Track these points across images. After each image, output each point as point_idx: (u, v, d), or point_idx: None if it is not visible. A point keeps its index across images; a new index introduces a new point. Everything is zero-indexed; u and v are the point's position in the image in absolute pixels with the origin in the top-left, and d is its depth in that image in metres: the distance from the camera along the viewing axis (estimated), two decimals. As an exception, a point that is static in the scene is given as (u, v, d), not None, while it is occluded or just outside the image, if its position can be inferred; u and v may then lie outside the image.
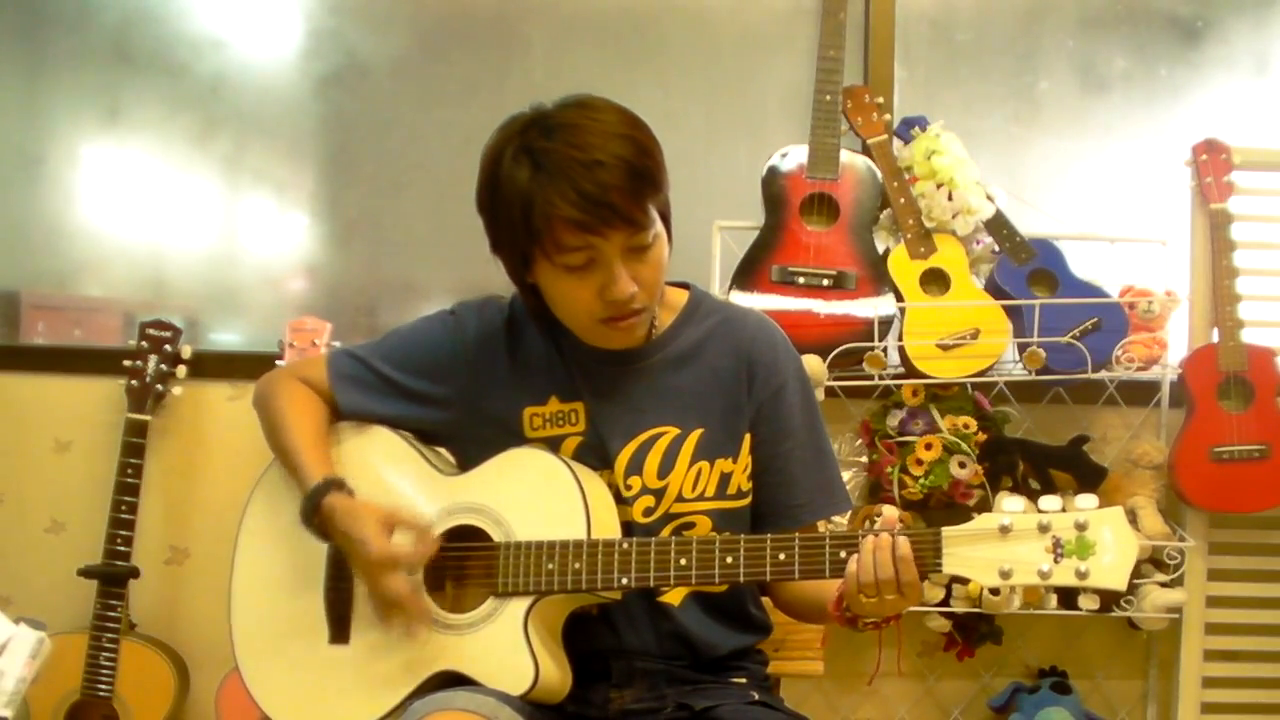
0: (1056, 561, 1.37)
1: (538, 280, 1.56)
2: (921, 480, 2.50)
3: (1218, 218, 2.63)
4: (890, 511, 2.43)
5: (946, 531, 1.42)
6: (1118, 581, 1.36)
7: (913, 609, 1.61)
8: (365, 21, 2.94)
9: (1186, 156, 2.67)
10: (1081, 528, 1.37)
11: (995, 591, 2.43)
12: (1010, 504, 1.41)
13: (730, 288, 2.54)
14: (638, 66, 2.95)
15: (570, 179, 1.43)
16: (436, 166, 2.89)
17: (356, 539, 1.53)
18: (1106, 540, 1.36)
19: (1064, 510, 1.39)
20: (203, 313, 2.93)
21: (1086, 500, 1.40)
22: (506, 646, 1.51)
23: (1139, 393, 2.73)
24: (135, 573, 2.57)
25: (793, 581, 1.63)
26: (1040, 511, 1.39)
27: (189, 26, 2.91)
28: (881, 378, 2.55)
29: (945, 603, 2.54)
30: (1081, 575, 1.36)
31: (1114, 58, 2.97)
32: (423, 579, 1.57)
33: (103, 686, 2.49)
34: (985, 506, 2.50)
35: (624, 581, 1.51)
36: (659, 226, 1.53)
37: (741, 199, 2.70)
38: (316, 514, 1.57)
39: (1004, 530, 1.39)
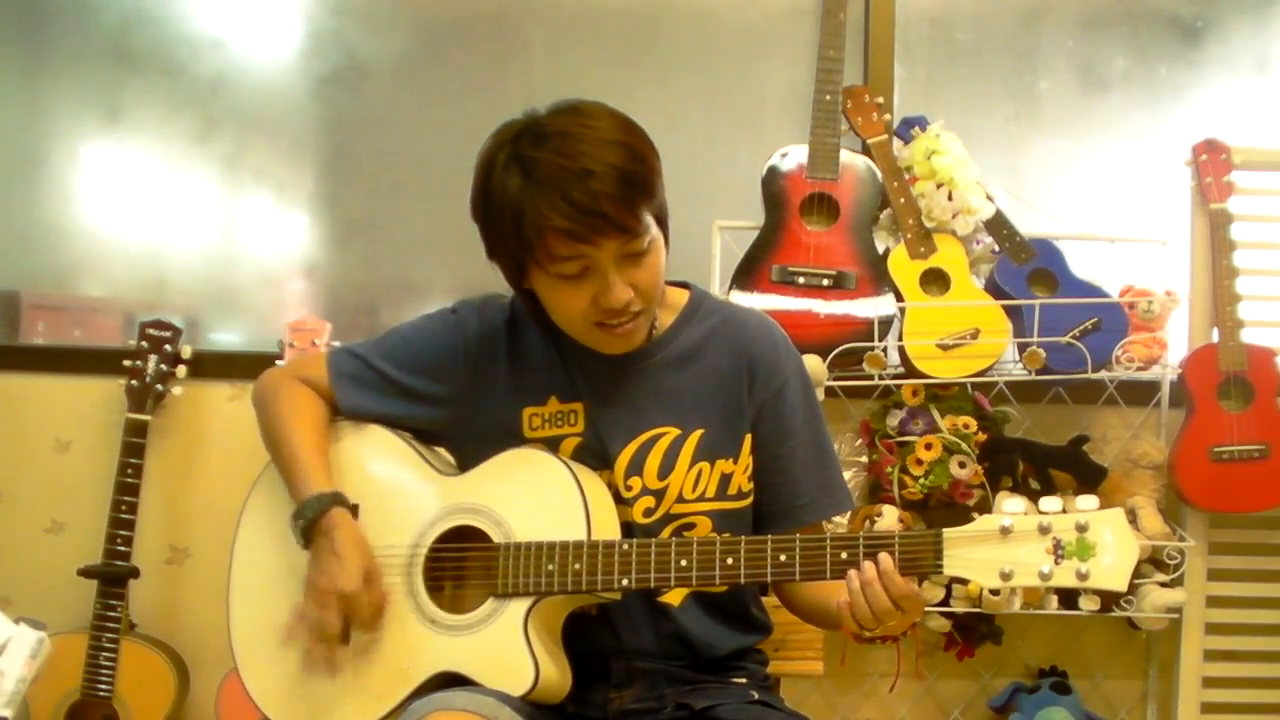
0: (1057, 563, 1.37)
1: (533, 287, 1.56)
2: (921, 480, 2.50)
3: (1218, 218, 2.63)
4: (890, 514, 2.44)
5: (947, 533, 1.42)
6: (1118, 583, 1.36)
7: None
8: (365, 21, 2.94)
9: (1186, 156, 2.67)
10: (1082, 529, 1.37)
11: (995, 591, 2.43)
12: (1011, 505, 1.41)
13: (730, 288, 2.54)
14: (638, 66, 2.95)
15: (560, 188, 1.43)
16: (436, 166, 2.89)
17: (340, 558, 1.53)
18: (1107, 541, 1.36)
19: (1064, 511, 1.39)
20: (203, 313, 2.93)
21: (1087, 501, 1.40)
22: (506, 647, 1.51)
23: (1139, 393, 2.73)
24: (135, 573, 2.57)
25: (801, 586, 1.64)
26: (1041, 513, 1.40)
27: (188, 27, 2.91)
28: (881, 378, 2.55)
29: (945, 603, 2.54)
30: (1082, 576, 1.36)
31: (1114, 58, 2.97)
32: (423, 582, 1.57)
33: (103, 686, 2.49)
34: (985, 506, 2.50)
35: (624, 582, 1.51)
36: (654, 231, 1.52)
37: (741, 199, 2.70)
38: (320, 519, 1.57)
39: (1004, 531, 1.39)
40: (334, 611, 1.53)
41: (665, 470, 1.61)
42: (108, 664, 2.50)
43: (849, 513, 2.46)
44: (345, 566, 1.53)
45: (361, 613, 1.54)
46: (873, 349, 2.50)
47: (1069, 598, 2.51)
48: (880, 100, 2.67)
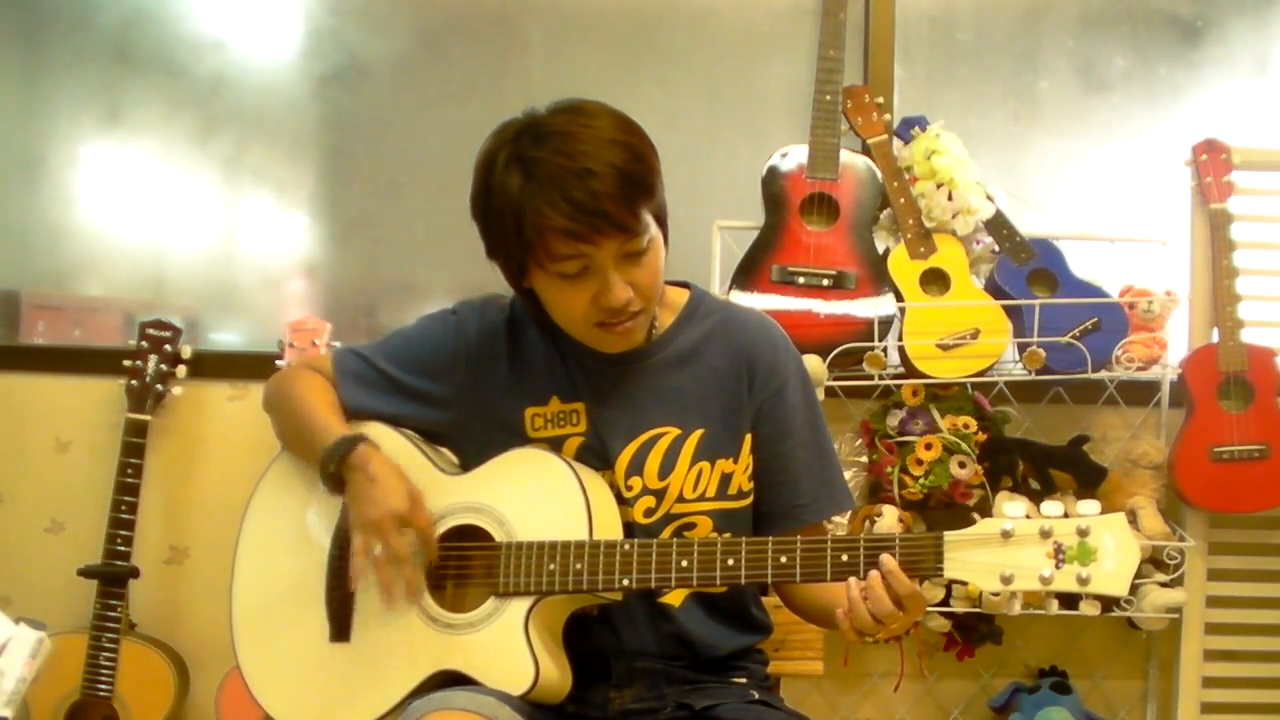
0: (1058, 567, 1.37)
1: (534, 286, 1.56)
2: (921, 480, 2.50)
3: (1218, 218, 2.63)
4: (890, 514, 2.44)
5: (948, 536, 1.42)
6: (1119, 588, 1.36)
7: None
8: (365, 21, 2.94)
9: (1186, 156, 2.67)
10: (1083, 533, 1.37)
11: (996, 592, 2.43)
12: (1012, 509, 1.41)
13: (730, 288, 2.54)
14: (638, 66, 2.95)
15: (561, 188, 1.43)
16: (436, 166, 2.89)
17: (381, 483, 1.52)
18: (1108, 546, 1.37)
19: (1066, 515, 1.39)
20: (203, 313, 2.92)
21: (1089, 506, 1.40)
22: (507, 646, 1.51)
23: (1139, 393, 2.73)
24: (135, 573, 2.57)
25: (802, 586, 1.64)
26: (1042, 517, 1.40)
27: (189, 27, 2.90)
28: (881, 378, 2.55)
29: (945, 603, 2.54)
30: (1083, 581, 1.36)
31: (1114, 58, 2.97)
32: (425, 580, 1.57)
33: (103, 686, 2.49)
34: (985, 506, 2.50)
35: (625, 583, 1.51)
36: (654, 231, 1.52)
37: (741, 199, 2.70)
38: (348, 457, 1.55)
39: (1006, 535, 1.39)
40: (393, 533, 1.51)
41: (665, 470, 1.61)
42: (108, 664, 2.50)
43: (849, 513, 2.46)
44: (390, 488, 1.52)
45: (423, 528, 1.53)
46: (873, 349, 2.50)
47: (1069, 599, 2.51)
48: (880, 100, 2.67)
